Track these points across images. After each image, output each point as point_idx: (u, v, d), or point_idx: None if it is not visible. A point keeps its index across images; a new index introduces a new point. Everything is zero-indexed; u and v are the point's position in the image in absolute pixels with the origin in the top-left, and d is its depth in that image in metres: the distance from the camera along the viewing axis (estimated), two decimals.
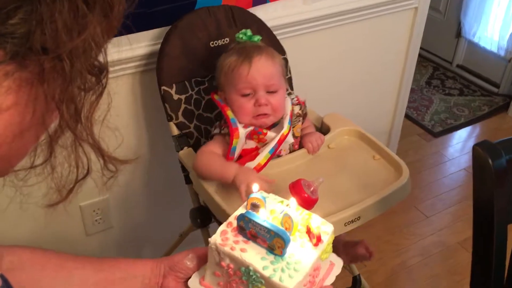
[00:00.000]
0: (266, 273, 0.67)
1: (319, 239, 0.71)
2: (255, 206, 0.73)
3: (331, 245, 0.75)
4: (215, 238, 0.71)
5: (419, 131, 2.57)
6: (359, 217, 1.06)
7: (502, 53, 2.79)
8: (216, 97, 1.18)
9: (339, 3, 1.57)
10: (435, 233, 1.99)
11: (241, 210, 0.74)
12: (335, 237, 1.28)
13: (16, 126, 0.41)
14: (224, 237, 0.72)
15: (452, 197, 2.17)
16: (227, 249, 0.70)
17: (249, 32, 1.15)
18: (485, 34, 2.85)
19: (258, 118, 1.14)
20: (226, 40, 1.30)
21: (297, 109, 1.23)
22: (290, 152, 1.22)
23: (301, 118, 1.24)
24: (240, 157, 1.16)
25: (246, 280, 0.70)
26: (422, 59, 3.12)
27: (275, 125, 1.18)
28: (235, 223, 0.73)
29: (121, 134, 0.52)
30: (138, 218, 1.57)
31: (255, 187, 0.77)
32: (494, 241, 0.80)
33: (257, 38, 1.15)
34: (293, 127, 1.20)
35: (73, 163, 0.45)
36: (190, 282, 0.76)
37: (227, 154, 1.13)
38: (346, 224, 1.05)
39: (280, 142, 1.14)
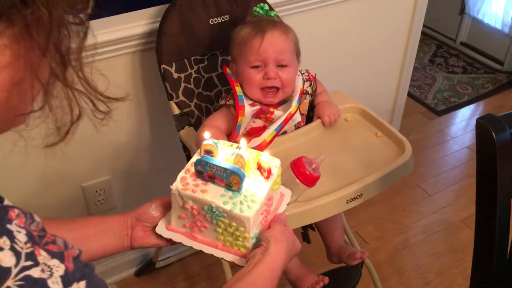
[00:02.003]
0: (227, 207, 0.75)
1: (269, 172, 0.80)
2: (208, 152, 0.80)
3: (280, 176, 0.83)
4: (176, 185, 0.78)
5: (422, 110, 2.56)
6: (361, 194, 1.06)
7: (506, 30, 2.75)
8: (228, 70, 1.18)
9: None
10: (437, 211, 1.99)
11: (196, 157, 0.80)
12: (333, 240, 1.29)
13: (13, 78, 0.45)
14: (184, 182, 0.78)
15: (455, 175, 2.17)
16: (189, 192, 0.77)
17: (266, 7, 1.15)
18: (489, 10, 2.81)
19: (266, 95, 1.13)
20: (226, 18, 1.28)
21: (306, 85, 1.22)
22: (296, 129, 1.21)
23: (308, 96, 1.23)
24: (249, 135, 1.15)
25: (210, 217, 0.77)
26: (425, 37, 3.08)
27: (283, 103, 1.17)
28: (192, 169, 0.79)
29: (107, 78, 0.56)
30: (140, 198, 1.56)
31: (206, 134, 0.83)
32: (497, 215, 0.79)
33: (273, 13, 1.16)
34: (300, 104, 1.20)
35: (67, 106, 0.49)
36: (157, 229, 0.83)
37: (233, 131, 1.12)
38: (348, 201, 1.05)
39: (287, 120, 1.14)
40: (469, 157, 2.27)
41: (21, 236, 0.43)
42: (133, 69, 1.33)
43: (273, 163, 0.82)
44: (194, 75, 1.28)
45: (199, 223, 0.79)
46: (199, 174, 0.78)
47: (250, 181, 0.78)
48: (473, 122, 2.51)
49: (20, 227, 0.44)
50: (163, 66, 1.23)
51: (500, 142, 0.76)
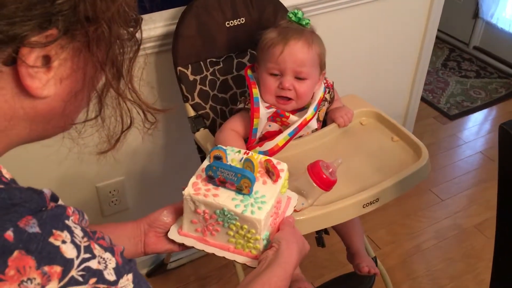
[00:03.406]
0: (239, 210, 0.77)
1: (278, 176, 0.82)
2: (217, 158, 0.82)
3: (287, 180, 0.86)
4: (188, 190, 0.80)
5: (434, 114, 2.54)
6: (378, 199, 1.05)
7: None
8: (249, 72, 1.17)
9: None
10: (450, 216, 1.98)
11: (206, 163, 0.83)
12: (352, 244, 1.29)
13: (72, 89, 0.49)
14: (196, 187, 0.81)
15: (467, 180, 2.15)
16: (201, 197, 0.79)
17: (299, 14, 1.13)
18: (503, 15, 2.79)
19: (279, 101, 1.13)
20: (242, 20, 1.28)
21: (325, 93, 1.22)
22: None
23: (326, 103, 1.23)
24: (264, 138, 1.15)
25: (221, 221, 0.79)
26: (438, 41, 3.06)
27: (301, 110, 1.17)
28: (203, 175, 0.82)
29: (156, 91, 0.61)
30: (153, 200, 1.57)
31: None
32: None
33: (305, 22, 1.13)
34: (318, 111, 1.20)
35: (118, 116, 0.53)
36: (169, 234, 0.85)
37: (249, 136, 1.12)
38: (365, 206, 1.04)
39: (301, 126, 1.13)
40: (482, 162, 2.26)
41: (78, 231, 0.46)
42: (148, 71, 1.34)
43: (281, 167, 0.84)
44: (209, 77, 1.28)
45: (211, 227, 0.81)
46: (210, 179, 0.80)
47: (259, 185, 0.81)
48: (486, 127, 2.50)
49: (75, 223, 0.46)
50: (179, 68, 1.23)
51: None
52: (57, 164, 1.34)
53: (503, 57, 2.87)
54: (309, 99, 1.16)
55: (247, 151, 0.86)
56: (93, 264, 0.45)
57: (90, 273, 0.44)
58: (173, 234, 0.84)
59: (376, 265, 1.39)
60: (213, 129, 1.28)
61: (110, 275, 0.46)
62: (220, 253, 0.82)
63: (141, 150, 1.46)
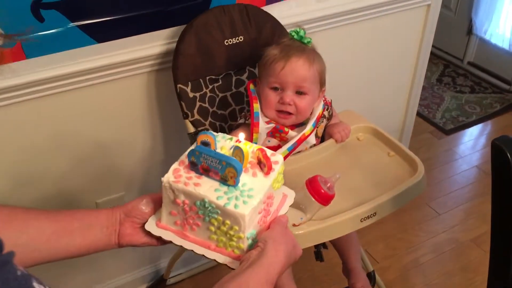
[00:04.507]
0: (221, 202, 0.68)
1: (270, 168, 0.73)
2: (205, 144, 0.73)
3: (282, 174, 0.77)
4: (168, 176, 0.72)
5: (430, 129, 2.57)
6: (375, 213, 1.07)
7: None
8: (251, 86, 1.20)
9: (352, 0, 1.58)
10: (447, 230, 1.99)
11: (192, 148, 0.74)
12: (348, 260, 1.30)
13: None
14: (177, 174, 0.72)
15: (464, 194, 2.17)
16: (180, 185, 0.71)
17: (301, 32, 1.16)
18: (496, 31, 2.83)
19: (279, 116, 1.16)
20: (241, 38, 1.31)
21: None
22: None
23: (325, 119, 1.25)
24: None
25: (202, 214, 0.71)
26: (433, 57, 3.10)
27: (300, 125, 1.19)
28: (187, 162, 0.73)
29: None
30: None
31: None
32: None
33: (307, 40, 1.16)
34: (317, 128, 1.22)
35: None
36: (147, 226, 0.77)
37: None
38: (362, 220, 1.06)
39: (300, 141, 1.15)
40: (478, 176, 2.28)
41: None
42: (149, 88, 1.36)
43: (275, 159, 0.76)
44: (209, 94, 1.30)
45: (191, 220, 0.73)
46: (193, 166, 0.72)
47: (248, 176, 0.73)
48: (481, 141, 2.53)
49: None
50: (179, 85, 1.25)
51: None
52: (57, 180, 1.36)
53: (497, 72, 2.91)
54: (309, 114, 1.19)
55: (238, 138, 0.78)
56: None
57: None
58: (150, 226, 0.76)
59: (374, 280, 1.41)
60: None
61: None
62: (199, 250, 0.74)
63: (141, 166, 1.47)
